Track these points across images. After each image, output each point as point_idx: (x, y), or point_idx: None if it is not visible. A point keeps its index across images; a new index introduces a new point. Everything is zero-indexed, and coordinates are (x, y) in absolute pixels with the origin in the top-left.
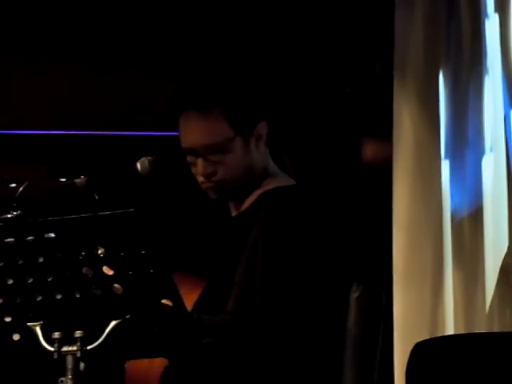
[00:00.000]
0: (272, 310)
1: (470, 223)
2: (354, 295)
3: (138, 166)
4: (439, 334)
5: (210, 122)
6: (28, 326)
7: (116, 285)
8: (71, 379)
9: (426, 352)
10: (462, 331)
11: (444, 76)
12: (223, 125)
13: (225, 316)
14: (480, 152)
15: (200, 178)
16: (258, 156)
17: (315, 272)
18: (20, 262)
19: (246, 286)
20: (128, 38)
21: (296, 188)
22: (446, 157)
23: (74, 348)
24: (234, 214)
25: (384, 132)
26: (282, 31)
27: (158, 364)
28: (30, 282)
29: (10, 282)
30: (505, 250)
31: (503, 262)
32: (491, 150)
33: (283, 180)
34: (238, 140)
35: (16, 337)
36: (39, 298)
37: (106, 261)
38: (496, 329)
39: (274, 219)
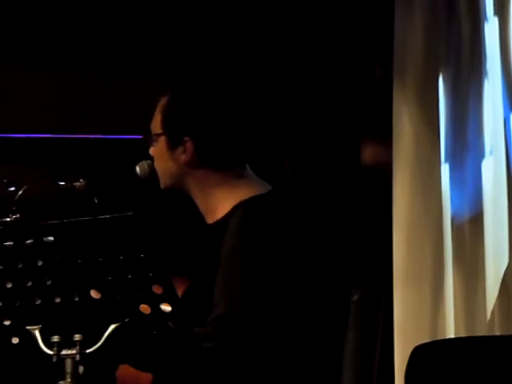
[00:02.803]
0: (253, 317)
1: (470, 226)
2: (353, 299)
3: (138, 169)
4: (440, 337)
5: (157, 109)
6: (27, 329)
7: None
8: (70, 383)
9: (426, 355)
10: (462, 334)
11: (443, 79)
12: (158, 118)
13: (205, 330)
14: (480, 155)
15: None
16: (177, 169)
17: (300, 277)
18: (19, 266)
19: (226, 298)
20: (128, 43)
21: (274, 194)
22: (445, 160)
23: (73, 351)
24: (209, 221)
25: (383, 135)
26: (280, 34)
27: None
28: (29, 285)
29: (9, 285)
30: (505, 253)
31: (507, 268)
32: (491, 153)
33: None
34: (162, 139)
35: (15, 340)
36: (38, 302)
37: (104, 264)
38: (497, 332)
39: (252, 227)
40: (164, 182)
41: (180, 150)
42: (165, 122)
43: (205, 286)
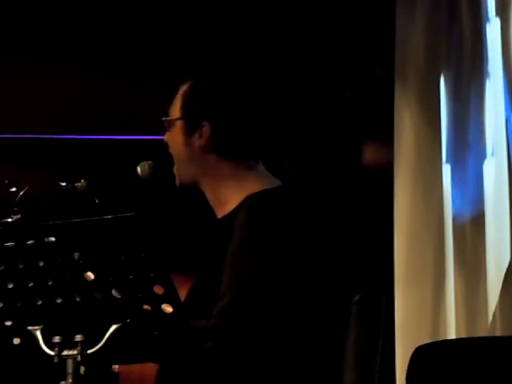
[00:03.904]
0: (258, 310)
1: (472, 227)
2: (355, 299)
3: (139, 169)
4: (441, 338)
5: (176, 95)
6: (28, 329)
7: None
8: (71, 383)
9: (427, 356)
10: (463, 335)
11: (445, 80)
12: (178, 103)
13: (211, 322)
14: (481, 156)
15: None
16: (192, 154)
17: (305, 274)
18: (20, 266)
19: (232, 290)
20: (129, 43)
21: (284, 189)
22: (447, 161)
23: (75, 352)
24: (219, 215)
25: (385, 136)
26: (282, 35)
27: (152, 366)
28: (30, 286)
29: (11, 286)
30: (507, 253)
31: (508, 268)
32: (492, 154)
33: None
34: (179, 124)
35: (16, 341)
36: (39, 302)
37: (105, 265)
38: (498, 333)
39: (260, 221)
40: (181, 171)
41: (196, 135)
42: (185, 107)
43: (213, 281)
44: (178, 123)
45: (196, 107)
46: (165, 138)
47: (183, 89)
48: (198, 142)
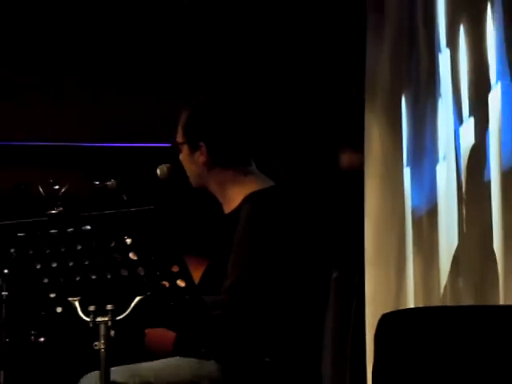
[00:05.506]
0: (259, 287)
1: (427, 218)
2: (333, 276)
3: (158, 171)
4: (402, 307)
5: (179, 122)
6: (69, 300)
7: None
8: (103, 343)
9: (391, 322)
10: (420, 305)
11: (406, 98)
12: (180, 130)
13: (220, 297)
14: (435, 160)
15: None
16: (198, 169)
17: (294, 255)
18: (62, 250)
19: (237, 270)
20: (156, 67)
21: (277, 189)
22: (407, 164)
23: (106, 318)
24: (226, 211)
25: (357, 144)
26: (273, 52)
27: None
28: (70, 265)
29: (54, 265)
30: (455, 239)
31: (455, 251)
32: (444, 158)
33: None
34: (185, 147)
35: (59, 309)
36: (78, 278)
37: (132, 248)
38: (448, 303)
39: (258, 214)
40: (192, 181)
41: (198, 153)
42: (185, 133)
43: (224, 264)
44: (184, 147)
45: (194, 132)
46: (180, 158)
47: (183, 118)
48: (200, 158)
